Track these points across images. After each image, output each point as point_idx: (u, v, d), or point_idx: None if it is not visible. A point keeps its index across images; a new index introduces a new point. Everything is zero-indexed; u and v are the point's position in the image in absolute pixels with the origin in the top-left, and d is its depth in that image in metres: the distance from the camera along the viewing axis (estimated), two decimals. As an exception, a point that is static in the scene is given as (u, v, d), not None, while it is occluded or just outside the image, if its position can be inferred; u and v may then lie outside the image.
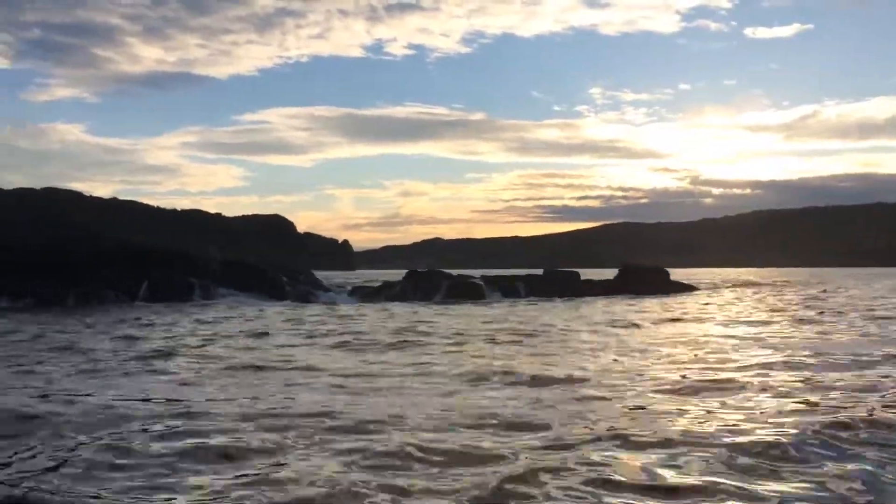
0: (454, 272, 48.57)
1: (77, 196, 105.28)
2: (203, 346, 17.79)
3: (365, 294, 45.08)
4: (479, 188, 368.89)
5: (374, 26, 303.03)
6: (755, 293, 48.07)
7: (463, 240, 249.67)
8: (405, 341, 17.84)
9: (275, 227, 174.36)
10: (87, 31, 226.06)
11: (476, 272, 57.96)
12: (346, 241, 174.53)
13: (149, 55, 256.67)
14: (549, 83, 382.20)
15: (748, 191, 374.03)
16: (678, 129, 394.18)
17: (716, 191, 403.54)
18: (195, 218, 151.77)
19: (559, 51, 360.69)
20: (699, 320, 24.96)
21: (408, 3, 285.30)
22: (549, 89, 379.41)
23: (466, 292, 40.31)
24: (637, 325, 22.47)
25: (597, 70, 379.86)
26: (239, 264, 48.78)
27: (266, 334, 20.75)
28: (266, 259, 67.66)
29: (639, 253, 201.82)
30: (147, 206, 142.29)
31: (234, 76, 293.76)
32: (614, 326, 22.28)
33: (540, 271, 47.67)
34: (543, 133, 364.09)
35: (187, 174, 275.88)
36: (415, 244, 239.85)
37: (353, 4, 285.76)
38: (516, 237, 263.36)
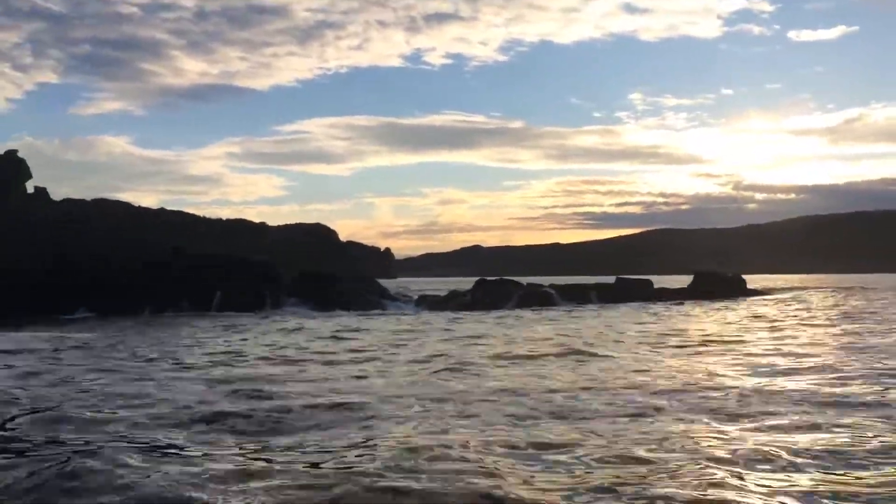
0: (519, 280, 49.14)
1: (126, 206, 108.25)
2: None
3: (432, 303, 45.97)
4: (517, 196, 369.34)
5: (412, 36, 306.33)
6: (832, 297, 47.94)
7: (502, 247, 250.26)
8: (579, 351, 17.33)
9: (317, 236, 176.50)
10: (134, 46, 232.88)
11: (527, 280, 58.37)
12: (387, 249, 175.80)
13: (192, 68, 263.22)
14: (588, 90, 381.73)
15: (792, 196, 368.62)
16: (720, 134, 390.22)
17: (759, 196, 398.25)
18: (240, 227, 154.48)
19: (598, 57, 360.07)
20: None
21: (446, 12, 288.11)
22: (589, 96, 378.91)
23: (539, 301, 40.94)
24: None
25: (637, 76, 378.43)
26: (310, 275, 50.05)
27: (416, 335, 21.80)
28: (311, 267, 68.79)
29: (681, 260, 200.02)
30: (194, 215, 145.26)
31: (275, 87, 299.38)
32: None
33: (611, 279, 48.18)
34: (583, 140, 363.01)
35: (229, 184, 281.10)
36: (454, 252, 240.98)
37: (392, 15, 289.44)
38: (556, 244, 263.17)
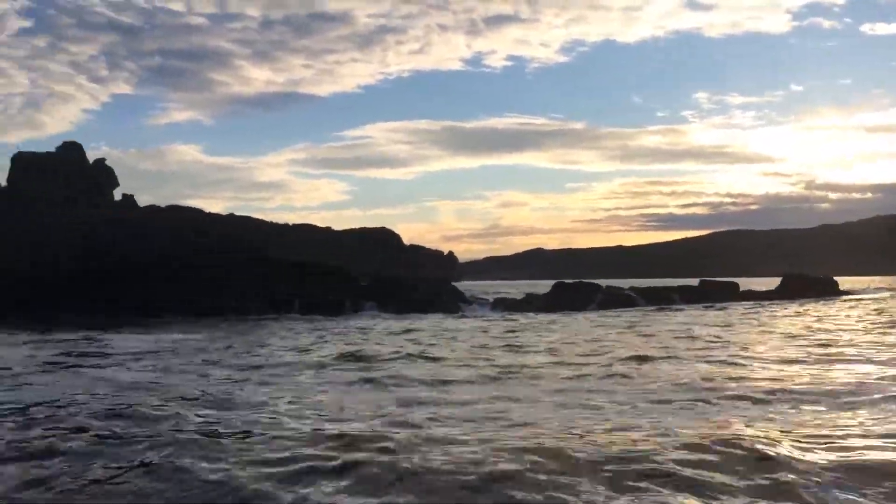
0: (597, 282, 49.07)
1: (199, 212, 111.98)
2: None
3: (508, 306, 46.24)
4: (579, 198, 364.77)
5: (473, 39, 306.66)
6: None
7: (565, 250, 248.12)
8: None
9: (381, 240, 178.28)
10: (202, 57, 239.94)
11: (594, 282, 58.08)
12: (451, 253, 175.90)
13: (258, 77, 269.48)
14: (651, 89, 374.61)
15: (868, 195, 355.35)
16: (791, 132, 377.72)
17: (833, 195, 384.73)
18: (307, 232, 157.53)
19: (661, 56, 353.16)
20: None
21: (506, 15, 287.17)
22: (652, 95, 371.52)
23: (621, 303, 40.88)
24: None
25: (702, 74, 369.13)
26: (387, 279, 50.97)
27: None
28: (376, 271, 70.05)
29: (752, 261, 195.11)
30: (262, 220, 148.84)
31: (338, 94, 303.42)
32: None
33: (687, 281, 47.80)
34: (646, 140, 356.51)
35: (293, 190, 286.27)
36: (517, 255, 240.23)
37: (453, 19, 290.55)
38: (620, 247, 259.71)
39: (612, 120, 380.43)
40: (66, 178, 57.03)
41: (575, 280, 46.66)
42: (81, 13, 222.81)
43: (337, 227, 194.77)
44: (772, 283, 67.16)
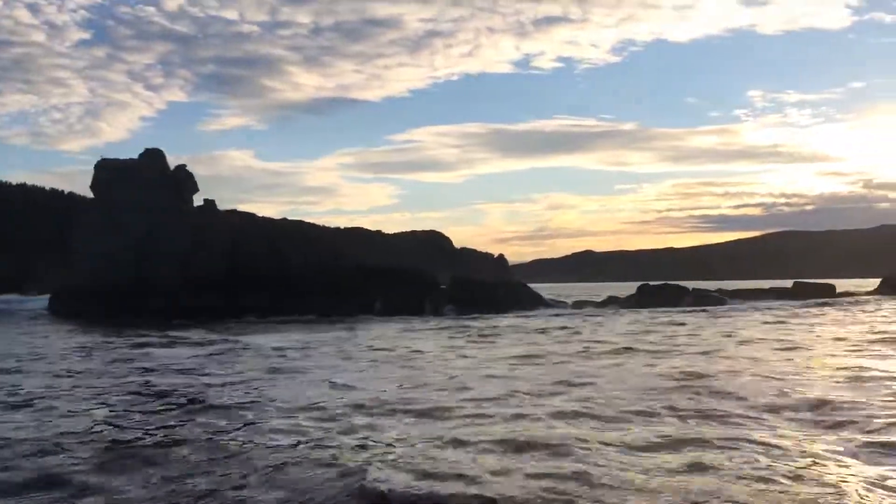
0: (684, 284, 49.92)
1: (252, 217, 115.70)
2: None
3: (590, 307, 47.35)
4: (629, 199, 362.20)
5: (521, 41, 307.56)
6: None
7: (615, 252, 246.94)
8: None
9: (432, 243, 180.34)
10: (254, 63, 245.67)
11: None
12: (501, 256, 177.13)
13: (309, 82, 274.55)
14: (704, 88, 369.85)
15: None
16: (849, 130, 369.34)
17: (892, 195, 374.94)
18: (358, 235, 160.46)
19: (715, 54, 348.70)
20: None
21: (555, 16, 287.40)
22: (705, 95, 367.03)
23: (711, 303, 41.80)
24: None
25: (756, 72, 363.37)
26: (463, 281, 52.57)
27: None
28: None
29: (809, 263, 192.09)
30: (314, 224, 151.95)
31: (387, 98, 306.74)
32: None
33: (788, 283, 48.33)
34: (698, 140, 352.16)
35: (344, 194, 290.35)
36: (566, 257, 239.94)
37: (501, 21, 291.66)
38: (671, 248, 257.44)
39: (663, 120, 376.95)
40: (148, 183, 59.71)
41: (660, 283, 47.57)
42: (138, 23, 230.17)
43: (386, 230, 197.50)
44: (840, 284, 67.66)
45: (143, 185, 59.55)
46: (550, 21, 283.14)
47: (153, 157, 62.07)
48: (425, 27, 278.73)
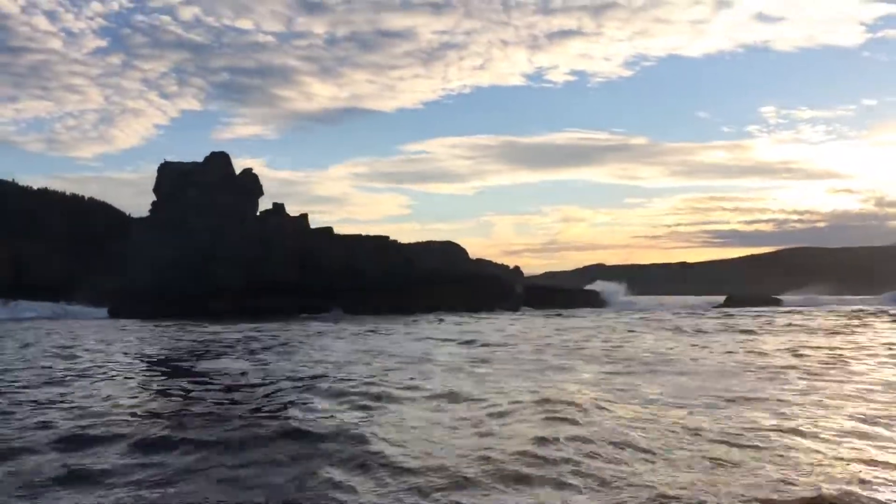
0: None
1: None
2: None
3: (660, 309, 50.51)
4: (640, 213, 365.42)
5: (534, 54, 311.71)
6: None
7: (626, 266, 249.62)
8: None
9: (448, 253, 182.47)
10: (268, 73, 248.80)
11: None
12: (517, 268, 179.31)
13: (322, 93, 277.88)
14: (716, 104, 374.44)
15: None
16: (861, 148, 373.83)
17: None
18: (376, 244, 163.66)
19: (728, 70, 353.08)
20: None
21: (569, 29, 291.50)
22: (717, 110, 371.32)
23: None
24: None
25: (770, 88, 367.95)
26: (540, 287, 55.72)
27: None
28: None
29: (822, 279, 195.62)
30: (334, 232, 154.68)
31: (400, 109, 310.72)
32: None
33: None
34: (710, 155, 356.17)
35: (355, 203, 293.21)
36: (576, 270, 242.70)
37: (514, 34, 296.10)
38: (683, 263, 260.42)
39: (675, 135, 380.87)
40: (214, 186, 62.41)
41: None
42: (154, 32, 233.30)
43: (400, 240, 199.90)
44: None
45: (209, 189, 62.22)
46: (564, 34, 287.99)
47: (218, 160, 64.83)
48: (439, 39, 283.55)
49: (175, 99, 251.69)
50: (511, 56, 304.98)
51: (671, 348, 23.28)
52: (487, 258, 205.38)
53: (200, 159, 61.32)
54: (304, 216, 64.46)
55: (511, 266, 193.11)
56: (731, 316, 48.88)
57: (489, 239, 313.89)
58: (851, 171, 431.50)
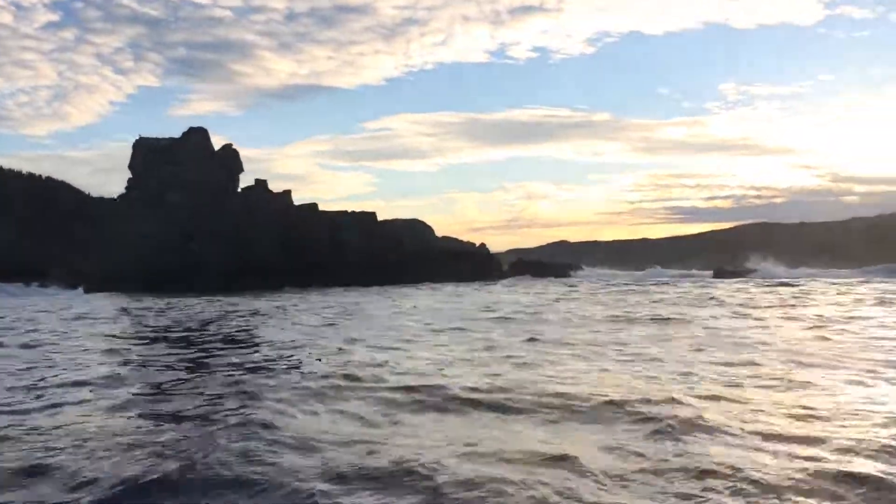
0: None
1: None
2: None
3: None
4: (603, 189, 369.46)
5: (497, 30, 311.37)
6: None
7: (591, 242, 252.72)
8: None
9: (416, 230, 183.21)
10: (226, 48, 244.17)
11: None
12: (482, 245, 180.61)
13: (282, 69, 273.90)
14: (677, 80, 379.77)
15: (894, 187, 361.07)
16: (818, 124, 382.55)
17: (859, 188, 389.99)
18: (362, 219, 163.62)
19: (689, 47, 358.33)
20: None
21: (531, 5, 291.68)
22: (678, 87, 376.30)
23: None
24: None
25: (729, 65, 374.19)
26: (523, 262, 57.18)
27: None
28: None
29: (782, 254, 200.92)
30: (328, 211, 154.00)
31: (361, 86, 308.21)
32: None
33: None
34: (671, 132, 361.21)
35: (318, 181, 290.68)
36: (540, 247, 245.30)
37: (477, 10, 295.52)
38: (646, 239, 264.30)
39: (636, 112, 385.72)
40: (194, 162, 61.92)
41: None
42: (108, 6, 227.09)
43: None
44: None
45: (189, 165, 61.70)
46: (526, 10, 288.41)
47: (197, 135, 64.26)
48: (401, 14, 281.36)
49: (131, 74, 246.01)
50: (473, 32, 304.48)
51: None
52: (452, 235, 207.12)
53: (160, 135, 60.80)
54: (287, 192, 64.43)
55: (477, 244, 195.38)
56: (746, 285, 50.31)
57: (453, 216, 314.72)
58: (808, 147, 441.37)
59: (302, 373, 11.85)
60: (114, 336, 19.75)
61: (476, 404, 8.90)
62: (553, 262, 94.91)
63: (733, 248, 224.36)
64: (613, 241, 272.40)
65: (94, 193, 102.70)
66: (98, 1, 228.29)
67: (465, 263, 60.19)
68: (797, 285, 50.79)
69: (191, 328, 22.06)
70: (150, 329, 22.03)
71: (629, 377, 11.05)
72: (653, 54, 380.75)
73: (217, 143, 61.76)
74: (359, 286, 50.63)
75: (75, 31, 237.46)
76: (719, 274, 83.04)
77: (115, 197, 68.03)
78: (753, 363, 12.47)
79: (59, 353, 15.65)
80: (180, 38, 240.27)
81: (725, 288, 45.03)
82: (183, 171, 60.82)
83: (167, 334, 20.04)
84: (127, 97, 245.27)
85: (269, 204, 61.13)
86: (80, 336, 19.73)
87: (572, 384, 10.26)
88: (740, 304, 29.90)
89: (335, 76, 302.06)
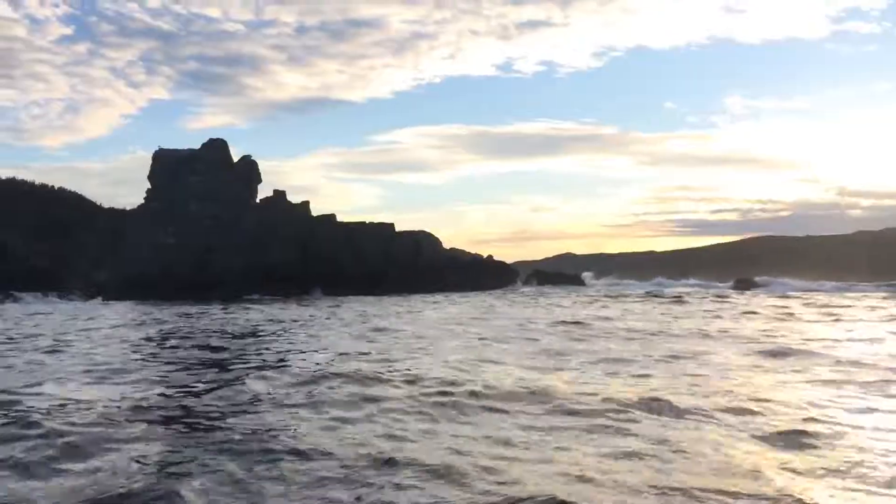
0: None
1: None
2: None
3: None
4: (609, 202, 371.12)
5: (505, 44, 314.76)
6: None
7: (596, 255, 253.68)
8: None
9: (428, 242, 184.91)
10: (237, 62, 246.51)
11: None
12: (490, 256, 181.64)
13: (292, 82, 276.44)
14: (683, 94, 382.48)
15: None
16: (824, 138, 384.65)
17: (865, 202, 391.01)
18: (380, 231, 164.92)
19: (695, 61, 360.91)
20: None
21: (539, 20, 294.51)
22: (684, 101, 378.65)
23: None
24: None
25: (735, 79, 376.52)
26: (542, 273, 58.52)
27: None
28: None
29: (789, 267, 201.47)
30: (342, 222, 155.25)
31: (371, 99, 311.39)
32: None
33: None
34: (677, 145, 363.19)
35: (326, 193, 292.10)
36: (546, 259, 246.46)
37: (485, 24, 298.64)
38: (652, 252, 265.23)
39: (643, 125, 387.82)
40: (213, 174, 63.11)
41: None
42: (121, 20, 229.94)
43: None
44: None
45: (209, 176, 62.85)
46: (533, 25, 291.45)
47: (216, 147, 65.48)
48: (410, 29, 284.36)
49: (143, 88, 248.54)
50: (482, 46, 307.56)
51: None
52: (458, 247, 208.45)
53: (174, 148, 61.79)
54: (305, 203, 65.59)
55: (484, 256, 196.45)
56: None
57: (460, 228, 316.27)
58: (814, 161, 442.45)
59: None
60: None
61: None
62: (563, 272, 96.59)
63: (739, 262, 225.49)
64: (619, 254, 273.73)
65: (106, 205, 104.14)
66: (111, 15, 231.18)
67: (486, 273, 61.72)
68: (820, 297, 49.28)
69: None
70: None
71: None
72: (658, 68, 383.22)
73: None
74: (381, 294, 51.67)
75: (89, 45, 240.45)
76: (740, 285, 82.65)
77: (128, 208, 69.23)
78: None
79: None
80: (192, 51, 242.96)
81: (760, 303, 42.21)
82: (202, 181, 61.94)
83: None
84: (139, 110, 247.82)
85: (287, 214, 62.27)
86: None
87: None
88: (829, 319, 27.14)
89: (345, 90, 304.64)
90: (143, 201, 67.87)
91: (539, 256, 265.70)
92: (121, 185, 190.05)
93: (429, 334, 21.19)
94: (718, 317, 28.89)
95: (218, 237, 60.07)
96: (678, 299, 44.95)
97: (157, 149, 66.87)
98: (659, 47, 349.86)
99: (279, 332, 22.88)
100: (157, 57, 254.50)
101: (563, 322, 25.09)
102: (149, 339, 21.39)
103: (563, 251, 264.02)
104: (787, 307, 35.30)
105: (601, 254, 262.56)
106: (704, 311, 33.45)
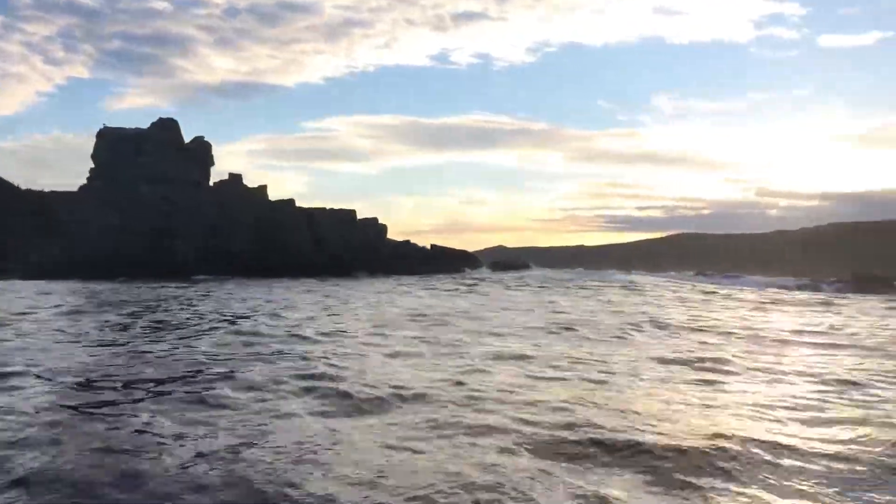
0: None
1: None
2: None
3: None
4: (540, 197, 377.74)
5: (440, 35, 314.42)
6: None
7: (527, 248, 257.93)
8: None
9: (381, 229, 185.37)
10: (164, 42, 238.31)
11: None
12: (434, 246, 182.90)
13: (221, 65, 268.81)
14: (614, 92, 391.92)
15: (816, 202, 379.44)
16: (746, 139, 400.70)
17: (783, 202, 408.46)
18: (340, 217, 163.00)
19: (626, 60, 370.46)
20: None
21: (475, 12, 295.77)
22: (615, 99, 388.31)
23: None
24: None
25: (664, 79, 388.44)
26: (501, 263, 59.94)
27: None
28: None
29: (710, 263, 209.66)
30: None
31: (302, 85, 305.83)
32: None
33: None
34: (607, 142, 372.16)
35: (255, 180, 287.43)
36: (479, 251, 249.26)
37: (421, 14, 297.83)
38: (582, 246, 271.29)
39: (575, 121, 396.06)
40: (164, 154, 61.55)
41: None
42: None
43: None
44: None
45: (157, 156, 61.26)
46: (469, 17, 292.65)
47: (167, 127, 63.86)
48: (343, 15, 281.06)
49: (62, 65, 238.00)
50: (417, 36, 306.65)
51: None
52: (393, 237, 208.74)
53: (90, 129, 60.03)
54: (263, 187, 64.61)
55: (420, 246, 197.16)
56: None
57: (392, 218, 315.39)
58: (736, 161, 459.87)
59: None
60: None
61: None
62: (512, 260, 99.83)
63: (659, 257, 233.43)
64: (550, 248, 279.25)
65: (23, 186, 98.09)
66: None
67: (451, 258, 62.87)
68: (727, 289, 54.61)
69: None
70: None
71: None
72: (591, 65, 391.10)
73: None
74: (342, 278, 51.70)
75: (3, 19, 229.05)
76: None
77: (46, 189, 66.78)
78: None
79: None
80: (116, 29, 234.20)
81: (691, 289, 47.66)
82: (152, 162, 60.33)
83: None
84: (56, 87, 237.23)
85: (244, 199, 61.33)
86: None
87: None
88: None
89: (275, 74, 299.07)
90: (85, 181, 65.61)
91: (471, 248, 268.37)
92: (40, 167, 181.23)
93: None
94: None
95: (170, 220, 58.70)
96: (639, 290, 47.69)
97: (103, 126, 64.79)
98: (592, 44, 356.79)
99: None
100: (77, 34, 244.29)
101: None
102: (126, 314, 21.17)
103: (496, 244, 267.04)
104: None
105: (533, 247, 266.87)
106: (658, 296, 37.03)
